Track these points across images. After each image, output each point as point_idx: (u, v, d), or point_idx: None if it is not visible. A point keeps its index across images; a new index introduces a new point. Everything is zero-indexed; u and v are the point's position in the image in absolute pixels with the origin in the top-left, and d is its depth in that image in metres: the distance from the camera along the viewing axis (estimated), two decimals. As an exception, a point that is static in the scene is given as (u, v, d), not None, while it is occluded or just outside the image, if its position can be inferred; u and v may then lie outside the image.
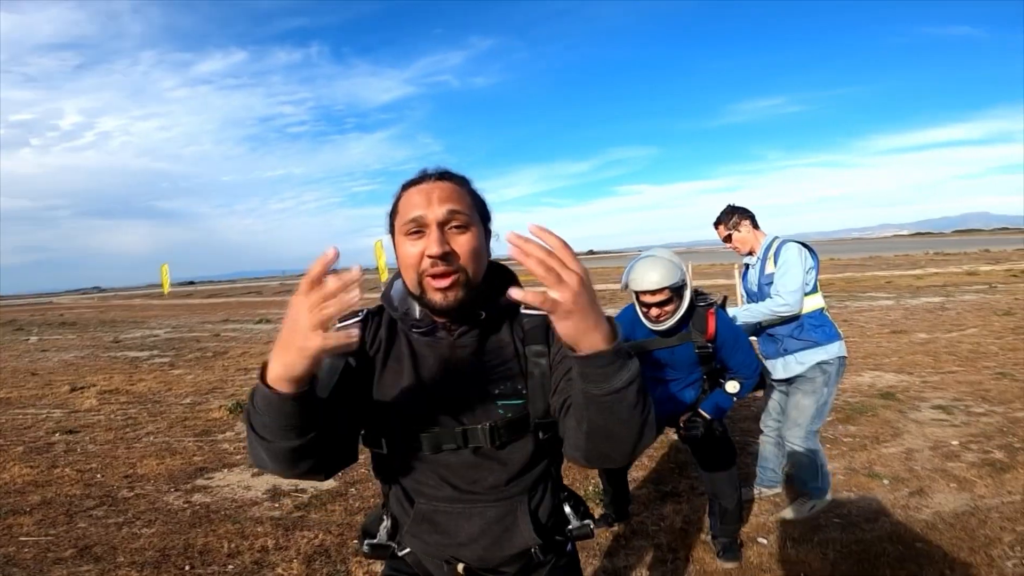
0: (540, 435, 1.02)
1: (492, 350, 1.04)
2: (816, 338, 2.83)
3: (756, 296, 2.97)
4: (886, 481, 3.34)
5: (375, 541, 1.12)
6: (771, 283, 2.84)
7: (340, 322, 1.06)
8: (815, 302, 2.87)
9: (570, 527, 1.11)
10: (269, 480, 3.75)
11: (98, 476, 4.00)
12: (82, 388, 7.31)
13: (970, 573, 2.37)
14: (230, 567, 2.71)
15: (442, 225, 0.95)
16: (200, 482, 3.85)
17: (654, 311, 2.35)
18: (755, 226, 3.02)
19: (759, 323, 2.92)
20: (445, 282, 0.95)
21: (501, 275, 1.08)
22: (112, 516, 3.31)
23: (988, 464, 3.45)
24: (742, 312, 2.89)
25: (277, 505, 3.42)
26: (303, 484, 3.56)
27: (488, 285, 1.01)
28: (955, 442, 3.90)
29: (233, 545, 2.91)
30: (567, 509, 1.12)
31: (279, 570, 2.64)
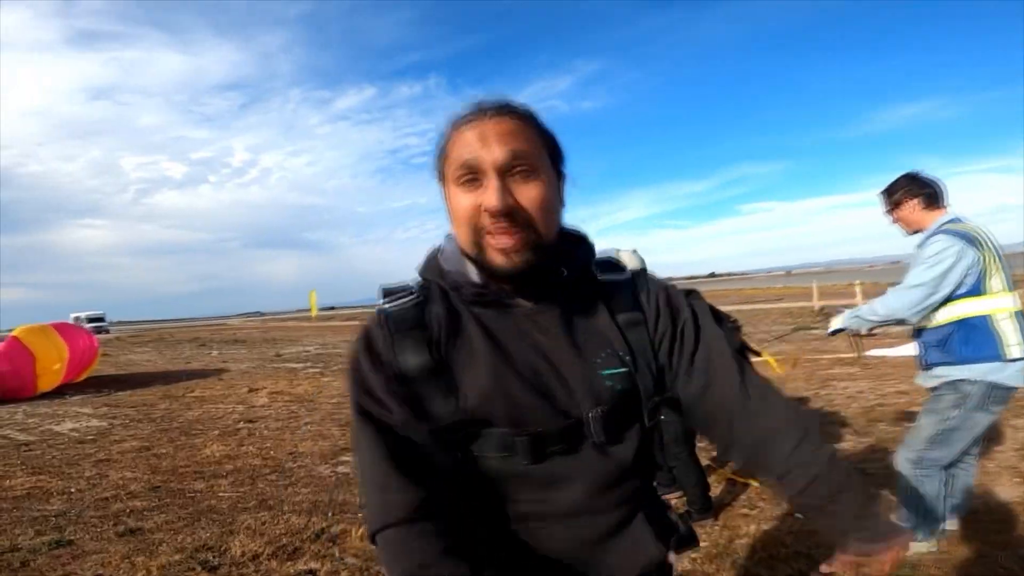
0: (647, 420, 0.85)
1: (579, 318, 0.84)
2: (962, 353, 2.27)
3: None
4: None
5: None
6: None
7: (389, 300, 0.83)
8: (972, 308, 2.27)
9: (676, 535, 0.90)
10: None
11: (271, 453, 5.02)
12: (256, 390, 8.93)
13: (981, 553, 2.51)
14: (360, 515, 3.56)
15: (503, 172, 0.76)
16: (343, 458, 4.75)
17: None
18: (930, 205, 2.42)
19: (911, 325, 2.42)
20: (509, 241, 0.76)
21: (575, 235, 0.89)
22: (281, 480, 4.25)
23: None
24: (845, 317, 2.57)
25: None
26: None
27: (562, 244, 0.84)
28: (1041, 444, 3.72)
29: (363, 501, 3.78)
30: (671, 515, 0.92)
31: None
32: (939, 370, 2.36)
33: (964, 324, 2.27)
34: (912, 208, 2.43)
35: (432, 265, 0.86)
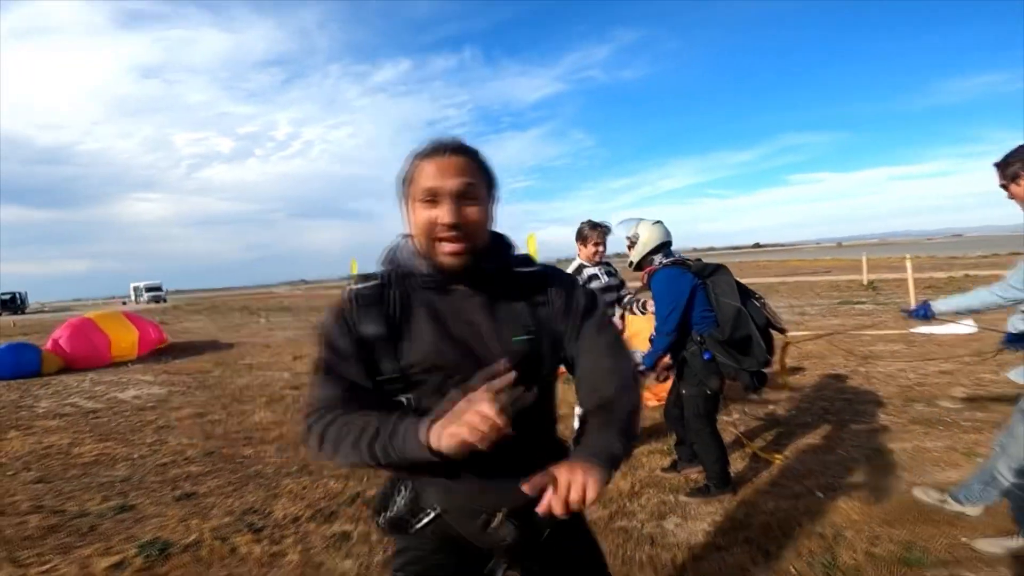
0: (547, 371, 1.14)
1: (500, 299, 1.13)
2: None
3: None
4: (979, 459, 3.26)
5: (392, 515, 1.16)
6: None
7: (358, 284, 1.13)
8: None
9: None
10: None
11: None
12: (301, 357, 9.35)
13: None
14: None
15: (456, 197, 1.04)
16: None
17: None
18: None
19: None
20: (455, 247, 1.05)
21: (500, 239, 1.18)
22: None
23: None
24: (950, 300, 2.50)
25: None
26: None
27: (491, 245, 1.13)
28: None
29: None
30: (568, 446, 1.17)
31: None
32: None
33: None
34: None
35: (391, 258, 1.16)
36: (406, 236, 1.15)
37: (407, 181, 1.10)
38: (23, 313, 41.86)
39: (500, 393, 0.90)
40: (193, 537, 2.87)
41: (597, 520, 2.85)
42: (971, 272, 19.16)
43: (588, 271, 3.62)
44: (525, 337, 1.11)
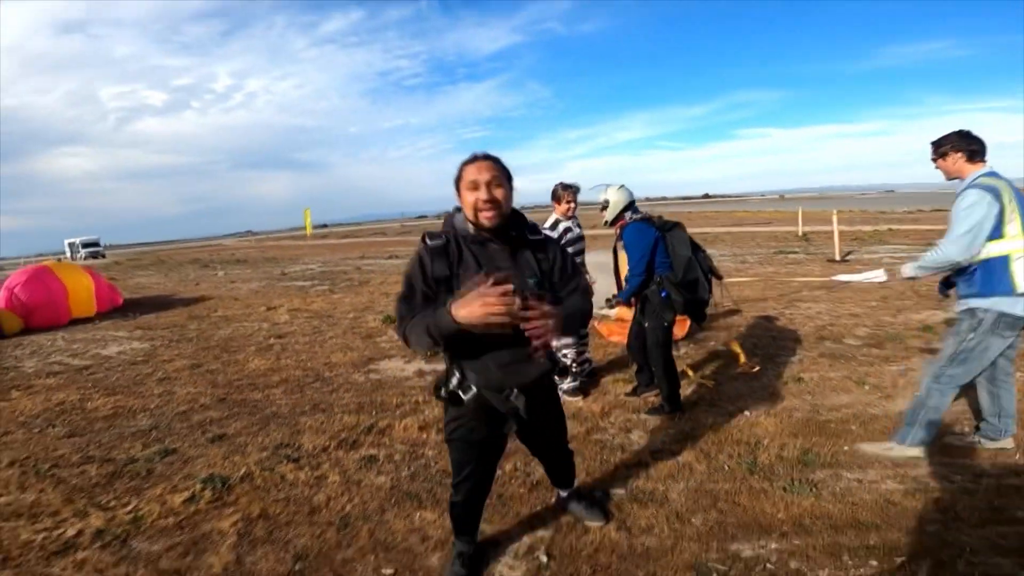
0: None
1: (519, 254, 1.88)
2: (979, 287, 2.75)
3: None
4: (866, 387, 4.17)
5: (450, 389, 1.91)
6: None
7: (430, 241, 1.87)
8: (997, 249, 2.69)
9: (559, 365, 2.06)
10: (415, 364, 5.37)
11: (308, 364, 5.79)
12: (274, 308, 9.61)
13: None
14: (398, 411, 4.22)
15: (488, 184, 1.79)
16: (372, 367, 5.52)
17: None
18: (972, 159, 2.81)
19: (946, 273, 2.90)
20: (490, 213, 1.79)
21: (519, 215, 1.94)
22: (324, 387, 5.00)
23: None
24: (909, 266, 2.95)
25: (421, 379, 5.03)
26: (439, 364, 5.21)
27: (512, 219, 1.89)
28: (951, 363, 4.62)
29: (398, 400, 4.47)
30: (556, 356, 2.11)
31: (426, 412, 4.12)
32: (965, 301, 2.84)
33: (989, 263, 2.71)
34: (955, 160, 2.83)
35: (449, 223, 1.92)
36: (458, 210, 1.91)
37: (459, 178, 1.86)
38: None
39: (503, 286, 1.60)
40: (243, 471, 3.33)
41: (577, 434, 3.57)
42: (894, 226, 20.93)
43: (563, 224, 4.29)
44: (534, 279, 1.85)
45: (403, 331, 1.81)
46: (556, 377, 2.07)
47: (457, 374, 1.89)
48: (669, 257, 3.71)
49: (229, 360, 6.25)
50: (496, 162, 1.84)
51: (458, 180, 1.85)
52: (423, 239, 1.88)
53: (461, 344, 1.80)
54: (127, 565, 2.50)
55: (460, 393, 1.88)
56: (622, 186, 3.93)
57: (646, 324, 3.84)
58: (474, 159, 1.84)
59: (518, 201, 1.95)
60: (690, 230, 3.92)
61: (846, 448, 3.29)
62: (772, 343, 5.56)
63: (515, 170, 1.92)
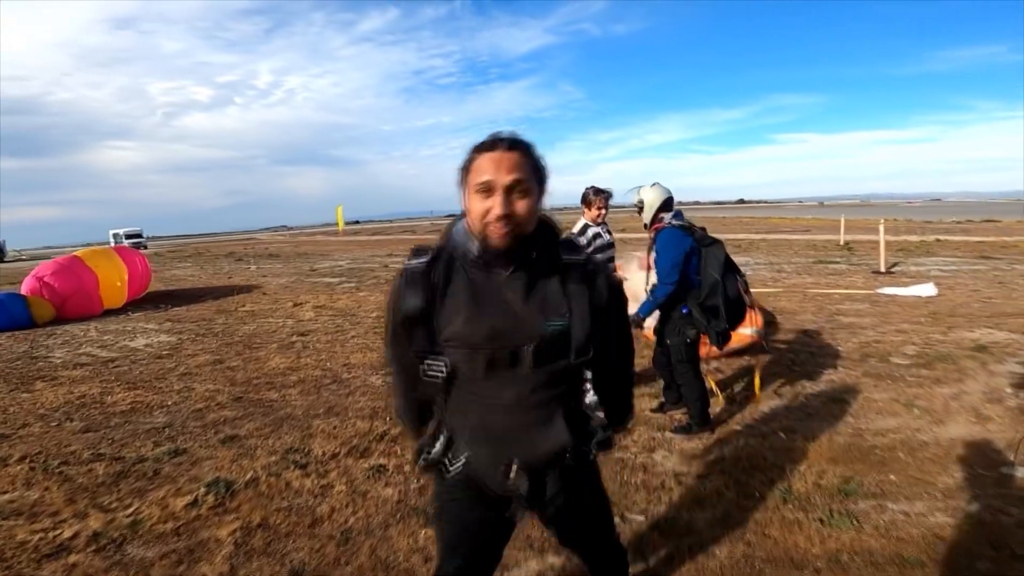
0: (574, 358, 1.23)
1: (540, 284, 1.23)
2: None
3: None
4: (915, 410, 3.84)
5: (431, 457, 1.32)
6: None
7: (410, 260, 1.27)
8: None
9: (596, 439, 1.32)
10: None
11: (327, 364, 5.72)
12: (300, 304, 9.66)
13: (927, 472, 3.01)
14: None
15: (508, 190, 1.15)
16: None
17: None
18: None
19: None
20: (503, 231, 1.16)
21: (548, 226, 1.28)
22: (341, 389, 4.90)
23: (1021, 409, 3.76)
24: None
25: None
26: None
27: (537, 233, 1.23)
28: (1008, 389, 4.17)
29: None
30: (593, 423, 1.32)
31: None
32: None
33: None
34: None
35: (448, 235, 1.30)
36: (462, 216, 1.27)
37: (465, 170, 1.21)
38: (2, 261, 40.96)
39: None
40: (249, 475, 3.25)
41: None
42: (943, 237, 19.94)
43: (592, 230, 4.10)
44: (559, 323, 1.21)
45: (395, 405, 1.44)
46: (594, 450, 1.36)
47: (443, 437, 1.34)
48: (699, 274, 3.45)
49: (250, 357, 6.25)
50: (525, 153, 1.20)
51: (464, 171, 1.22)
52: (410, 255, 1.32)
53: (452, 399, 1.30)
54: (118, 571, 2.41)
55: (446, 463, 1.33)
56: (655, 184, 3.70)
57: (668, 341, 3.61)
58: (493, 145, 1.19)
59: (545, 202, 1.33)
60: (724, 236, 3.63)
61: (892, 477, 3.01)
62: (811, 359, 5.23)
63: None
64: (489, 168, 1.16)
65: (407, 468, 3.29)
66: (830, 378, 4.70)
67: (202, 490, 3.07)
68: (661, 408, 3.98)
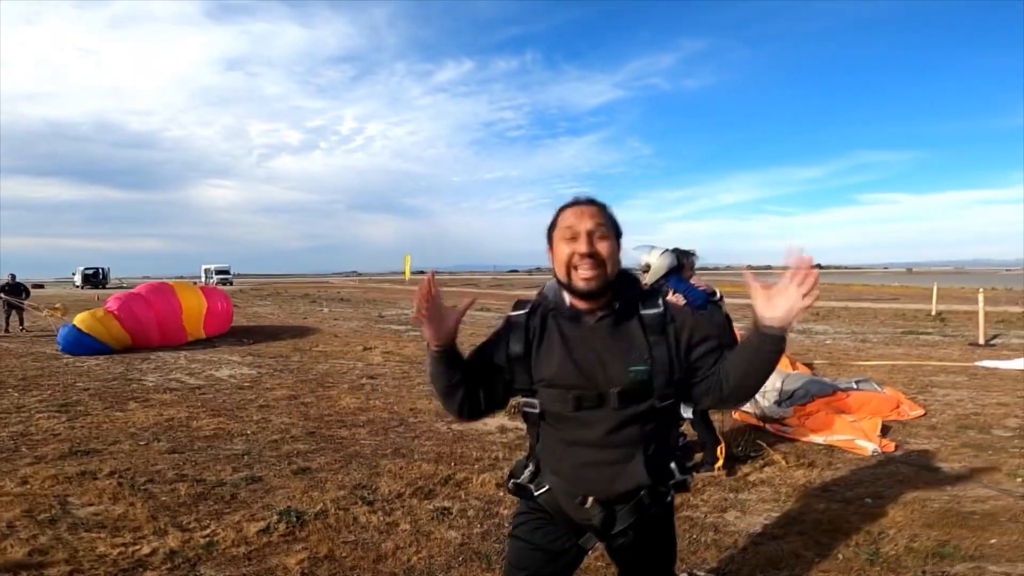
0: (657, 403, 1.34)
1: (622, 332, 1.36)
2: None
3: None
4: (1020, 479, 3.55)
5: (519, 481, 1.48)
6: None
7: (513, 311, 1.48)
8: None
9: (672, 480, 1.41)
10: (499, 420, 5.14)
11: (395, 407, 5.86)
12: (370, 348, 10.01)
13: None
14: (477, 465, 4.07)
15: (590, 234, 1.32)
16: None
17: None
18: None
19: None
20: (589, 273, 1.31)
21: (628, 279, 1.42)
22: (407, 432, 4.99)
23: None
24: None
25: (503, 435, 4.84)
26: (521, 424, 5.04)
27: (618, 283, 1.37)
28: None
29: (478, 454, 4.33)
30: (672, 465, 1.42)
31: (505, 469, 3.90)
32: None
33: None
34: None
35: (542, 293, 1.49)
36: (554, 278, 1.43)
37: (553, 226, 1.40)
38: (105, 287, 45.20)
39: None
40: (319, 507, 3.31)
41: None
42: (1048, 307, 18.25)
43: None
44: (641, 368, 1.32)
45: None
46: (672, 491, 1.44)
47: (532, 465, 1.49)
48: None
49: (323, 395, 6.49)
50: (602, 209, 1.38)
51: (551, 228, 1.40)
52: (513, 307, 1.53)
53: (542, 433, 1.45)
54: (192, 591, 2.51)
55: (531, 487, 1.46)
56: (666, 250, 3.75)
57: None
58: (575, 203, 1.39)
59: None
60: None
61: (993, 540, 2.74)
62: (902, 428, 4.85)
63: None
64: (572, 218, 1.35)
65: (471, 512, 3.29)
66: (923, 447, 4.34)
67: (275, 518, 3.16)
68: (731, 471, 3.81)
